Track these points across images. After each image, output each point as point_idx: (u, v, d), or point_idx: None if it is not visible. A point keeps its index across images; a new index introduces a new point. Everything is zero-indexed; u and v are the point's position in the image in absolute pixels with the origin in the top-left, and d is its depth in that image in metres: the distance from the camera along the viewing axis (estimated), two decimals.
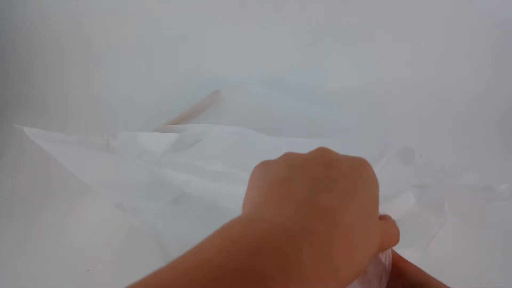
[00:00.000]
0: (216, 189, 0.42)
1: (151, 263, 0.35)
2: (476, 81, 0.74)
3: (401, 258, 0.28)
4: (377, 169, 0.32)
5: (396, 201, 0.38)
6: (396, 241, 0.25)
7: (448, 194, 0.41)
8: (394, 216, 0.28)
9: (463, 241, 0.35)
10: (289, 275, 0.16)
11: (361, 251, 0.20)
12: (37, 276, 0.47)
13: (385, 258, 0.26)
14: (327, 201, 0.20)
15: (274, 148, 0.45)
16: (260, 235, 0.17)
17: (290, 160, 0.24)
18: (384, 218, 0.26)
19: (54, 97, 0.78)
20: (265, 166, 0.25)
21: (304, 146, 0.45)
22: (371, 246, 0.21)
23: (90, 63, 0.80)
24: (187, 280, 0.15)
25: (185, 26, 0.77)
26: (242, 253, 0.16)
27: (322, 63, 0.79)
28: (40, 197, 0.57)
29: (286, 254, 0.16)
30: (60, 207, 0.55)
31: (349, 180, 0.22)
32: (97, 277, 0.46)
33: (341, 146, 0.37)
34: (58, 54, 0.80)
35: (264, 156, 0.44)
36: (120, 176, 0.45)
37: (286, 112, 0.64)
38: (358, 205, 0.20)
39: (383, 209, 0.25)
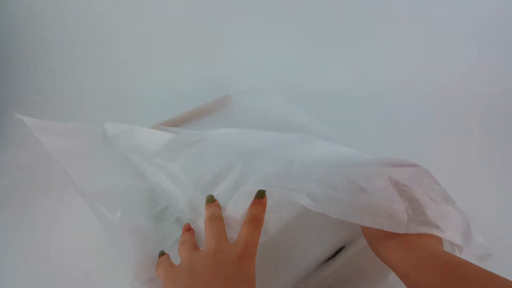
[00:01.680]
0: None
1: None
2: (476, 81, 0.74)
3: None
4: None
5: None
6: None
7: None
8: None
9: None
10: None
11: None
12: (36, 278, 0.46)
13: None
14: None
15: (266, 143, 0.45)
16: None
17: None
18: None
19: (54, 97, 0.78)
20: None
21: (293, 140, 0.45)
22: None
23: (98, 64, 0.80)
24: None
25: (195, 31, 0.78)
26: None
27: (324, 65, 0.79)
28: (38, 198, 0.57)
29: None
30: (59, 209, 0.55)
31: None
32: (96, 278, 0.45)
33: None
34: (59, 54, 0.80)
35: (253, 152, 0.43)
36: (109, 184, 0.44)
37: (294, 123, 0.63)
38: None
39: None
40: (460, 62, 0.75)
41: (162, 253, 0.36)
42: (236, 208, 0.34)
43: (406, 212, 0.30)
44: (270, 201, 0.36)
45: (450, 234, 0.32)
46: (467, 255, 0.34)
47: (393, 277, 0.38)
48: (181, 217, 0.42)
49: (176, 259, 0.35)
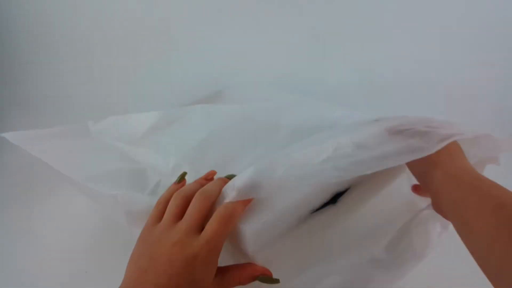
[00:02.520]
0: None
1: None
2: (476, 80, 0.74)
3: None
4: None
5: None
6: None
7: None
8: None
9: None
10: None
11: None
12: (35, 278, 0.46)
13: None
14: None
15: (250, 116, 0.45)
16: None
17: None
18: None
19: (52, 97, 0.78)
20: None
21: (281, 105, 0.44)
22: None
23: (90, 63, 0.79)
24: None
25: (190, 26, 0.77)
26: None
27: (325, 60, 0.78)
28: (38, 198, 0.57)
29: None
30: (59, 209, 0.55)
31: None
32: (96, 278, 0.46)
33: None
34: (57, 54, 0.79)
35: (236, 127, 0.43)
36: (100, 169, 0.43)
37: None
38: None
39: None
40: (462, 60, 0.74)
41: None
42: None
43: (421, 140, 0.33)
44: None
45: (471, 129, 0.35)
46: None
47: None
48: None
49: None
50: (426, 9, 0.73)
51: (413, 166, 0.36)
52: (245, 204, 0.32)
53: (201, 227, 0.30)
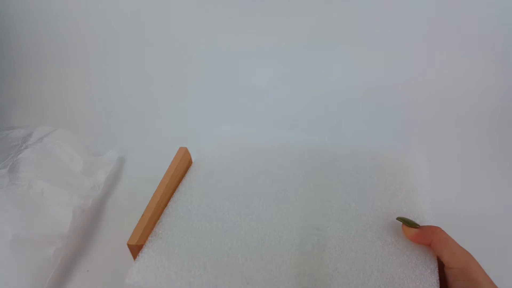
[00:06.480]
0: None
1: None
2: (476, 81, 0.73)
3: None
4: None
5: None
6: None
7: None
8: None
9: None
10: None
11: None
12: None
13: None
14: None
15: None
16: None
17: None
18: None
19: (50, 97, 0.78)
20: None
21: None
22: None
23: (86, 63, 0.79)
24: None
25: (189, 30, 0.77)
26: None
27: (324, 63, 0.78)
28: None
29: None
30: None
31: None
32: (97, 277, 0.45)
33: None
34: (55, 54, 0.79)
35: None
36: None
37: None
38: None
39: None
40: (462, 60, 0.75)
41: None
42: None
43: None
44: None
45: None
46: None
47: None
48: None
49: None
50: (427, 9, 0.74)
51: None
52: None
53: None
